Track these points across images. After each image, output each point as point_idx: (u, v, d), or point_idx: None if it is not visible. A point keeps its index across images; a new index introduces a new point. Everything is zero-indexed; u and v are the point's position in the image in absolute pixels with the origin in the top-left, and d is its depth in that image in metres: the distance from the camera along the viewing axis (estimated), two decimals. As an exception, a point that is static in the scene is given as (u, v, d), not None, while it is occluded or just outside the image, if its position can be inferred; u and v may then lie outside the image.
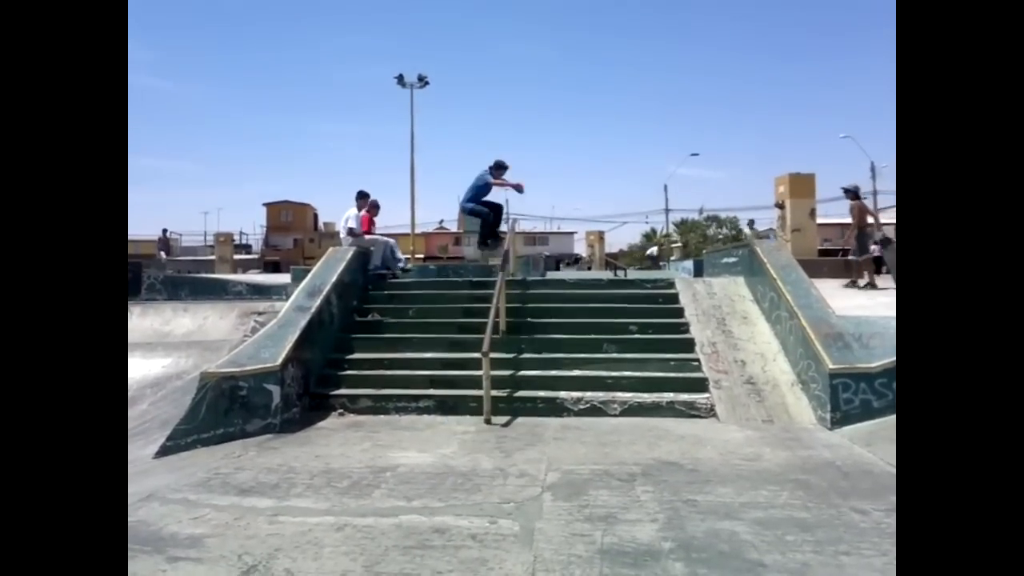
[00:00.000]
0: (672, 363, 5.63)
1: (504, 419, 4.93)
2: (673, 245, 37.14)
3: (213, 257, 28.03)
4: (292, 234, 42.06)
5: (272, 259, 37.36)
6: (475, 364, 5.19)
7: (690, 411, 5.05)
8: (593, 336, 6.03)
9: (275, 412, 4.75)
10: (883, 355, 4.83)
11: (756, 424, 4.80)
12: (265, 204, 42.63)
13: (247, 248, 41.82)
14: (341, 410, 5.22)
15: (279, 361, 4.87)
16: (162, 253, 18.01)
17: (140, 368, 6.48)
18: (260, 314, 7.41)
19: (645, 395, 5.17)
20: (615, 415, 5.05)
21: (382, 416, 5.14)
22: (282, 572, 2.42)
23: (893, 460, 3.74)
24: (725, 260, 8.44)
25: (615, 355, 5.77)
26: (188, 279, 13.02)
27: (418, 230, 30.78)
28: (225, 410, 4.59)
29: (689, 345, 5.91)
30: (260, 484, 3.51)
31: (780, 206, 17.15)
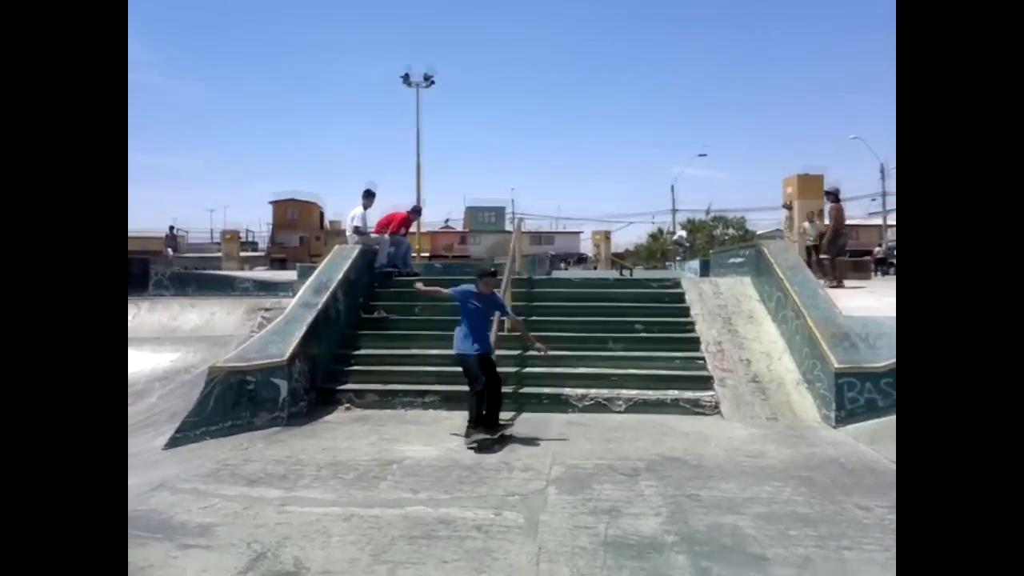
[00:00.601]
0: (677, 361, 5.64)
1: (510, 414, 4.96)
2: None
3: (220, 254, 28.21)
4: (298, 231, 42.25)
5: (278, 256, 37.53)
6: (480, 360, 5.21)
7: (695, 408, 5.06)
8: (599, 334, 6.05)
9: (282, 406, 4.81)
10: (889, 355, 4.82)
11: (760, 421, 4.80)
12: (271, 201, 42.83)
13: (253, 245, 42.05)
14: (347, 404, 5.26)
15: (286, 356, 4.92)
16: (169, 250, 18.15)
17: (148, 362, 6.56)
18: (267, 310, 7.48)
19: (650, 392, 5.19)
20: (620, 412, 5.07)
21: (388, 410, 5.18)
22: (291, 560, 2.46)
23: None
24: (732, 260, 8.43)
25: (620, 353, 5.78)
26: (195, 275, 13.15)
27: (424, 229, 30.86)
28: (233, 403, 4.64)
29: (695, 343, 5.92)
30: (268, 475, 3.56)
31: (788, 207, 17.06)
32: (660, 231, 39.81)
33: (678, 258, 19.84)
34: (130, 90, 1.85)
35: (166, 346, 7.15)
